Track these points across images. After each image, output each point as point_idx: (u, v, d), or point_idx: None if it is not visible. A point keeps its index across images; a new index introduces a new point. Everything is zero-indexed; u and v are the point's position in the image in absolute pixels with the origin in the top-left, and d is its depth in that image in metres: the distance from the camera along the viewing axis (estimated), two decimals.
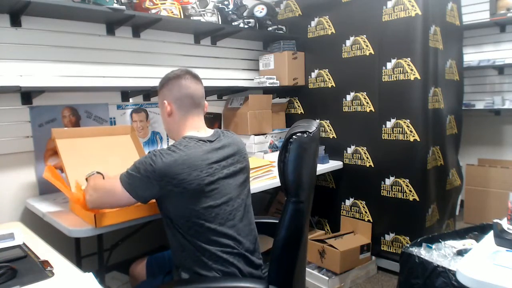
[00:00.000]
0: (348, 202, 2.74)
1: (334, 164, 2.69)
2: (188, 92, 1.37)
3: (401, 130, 2.39)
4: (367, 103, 2.56)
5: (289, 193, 1.25)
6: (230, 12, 2.56)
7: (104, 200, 1.30)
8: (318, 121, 2.83)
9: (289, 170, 1.23)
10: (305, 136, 1.23)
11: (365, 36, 2.53)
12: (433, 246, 1.87)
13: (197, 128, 1.38)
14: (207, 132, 1.38)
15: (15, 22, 1.83)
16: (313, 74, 2.89)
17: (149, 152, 1.25)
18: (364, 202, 2.65)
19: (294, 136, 1.22)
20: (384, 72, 2.44)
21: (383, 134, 2.48)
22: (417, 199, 2.36)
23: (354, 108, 2.64)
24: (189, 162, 1.22)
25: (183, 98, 1.36)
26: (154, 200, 1.31)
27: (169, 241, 1.33)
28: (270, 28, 2.83)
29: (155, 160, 1.19)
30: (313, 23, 2.85)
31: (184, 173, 1.20)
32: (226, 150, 1.34)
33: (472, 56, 3.50)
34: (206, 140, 1.32)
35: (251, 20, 2.69)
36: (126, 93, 2.27)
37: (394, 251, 2.50)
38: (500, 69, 3.39)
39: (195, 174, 1.21)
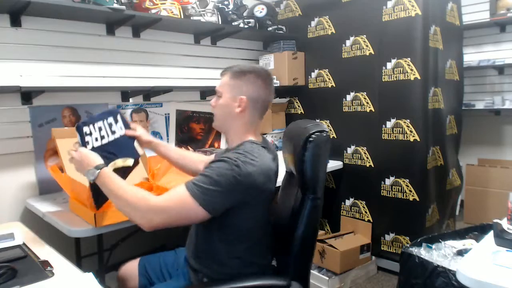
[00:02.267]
0: (348, 202, 2.74)
1: (334, 164, 2.69)
2: (267, 99, 1.30)
3: (401, 130, 2.39)
4: (367, 103, 2.55)
5: (308, 189, 1.28)
6: (230, 12, 2.56)
7: (174, 221, 1.13)
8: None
9: (308, 168, 1.26)
10: (324, 135, 1.29)
11: (365, 36, 2.53)
12: (433, 246, 1.87)
13: (258, 135, 1.32)
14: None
15: (15, 22, 1.83)
16: (313, 74, 2.89)
17: (223, 161, 1.13)
18: (364, 202, 2.65)
19: (313, 135, 1.26)
20: (384, 72, 2.44)
21: (383, 134, 2.48)
22: (417, 199, 2.36)
23: (354, 108, 2.63)
24: (265, 172, 1.18)
25: (261, 102, 1.28)
26: None
27: (202, 250, 1.27)
28: (270, 28, 2.83)
29: (240, 172, 1.10)
30: (313, 23, 2.85)
31: (263, 183, 1.17)
32: (276, 162, 1.31)
33: (472, 56, 3.50)
34: (267, 147, 1.27)
35: (251, 20, 2.69)
36: (126, 93, 2.27)
37: (394, 251, 2.50)
38: (500, 69, 3.39)
39: (268, 184, 1.20)
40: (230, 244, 1.22)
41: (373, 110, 2.53)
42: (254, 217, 1.22)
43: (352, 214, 2.72)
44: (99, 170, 1.16)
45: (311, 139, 1.26)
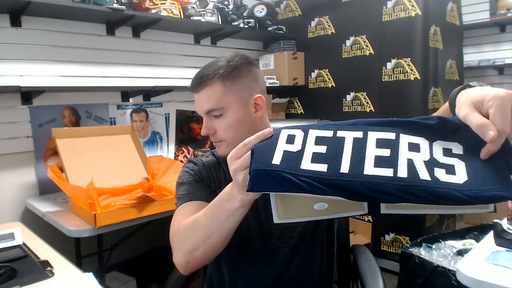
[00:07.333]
0: None
1: None
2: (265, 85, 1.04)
3: None
4: (367, 103, 2.55)
5: None
6: (230, 12, 2.56)
7: None
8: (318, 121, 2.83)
9: None
10: None
11: (365, 36, 2.53)
12: (433, 246, 1.87)
13: None
14: None
15: (15, 22, 1.83)
16: (313, 74, 2.89)
17: None
18: None
19: None
20: (384, 72, 2.44)
21: None
22: None
23: (354, 108, 2.63)
24: None
25: (265, 91, 1.03)
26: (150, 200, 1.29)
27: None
28: (270, 28, 2.83)
29: None
30: (313, 23, 2.85)
31: None
32: None
33: (472, 56, 3.50)
34: None
35: (251, 20, 2.69)
36: (126, 93, 2.27)
37: (394, 251, 2.50)
38: (500, 69, 3.39)
39: None
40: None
41: (373, 110, 2.53)
42: None
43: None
44: None
45: None
